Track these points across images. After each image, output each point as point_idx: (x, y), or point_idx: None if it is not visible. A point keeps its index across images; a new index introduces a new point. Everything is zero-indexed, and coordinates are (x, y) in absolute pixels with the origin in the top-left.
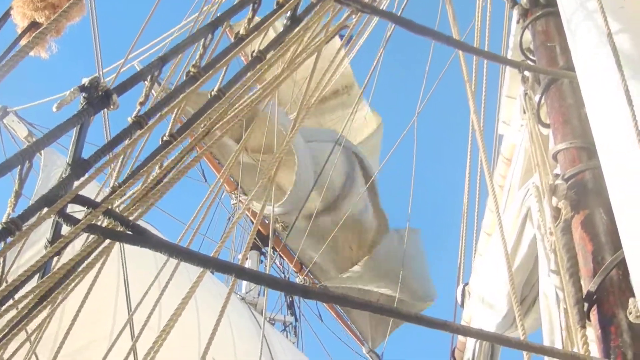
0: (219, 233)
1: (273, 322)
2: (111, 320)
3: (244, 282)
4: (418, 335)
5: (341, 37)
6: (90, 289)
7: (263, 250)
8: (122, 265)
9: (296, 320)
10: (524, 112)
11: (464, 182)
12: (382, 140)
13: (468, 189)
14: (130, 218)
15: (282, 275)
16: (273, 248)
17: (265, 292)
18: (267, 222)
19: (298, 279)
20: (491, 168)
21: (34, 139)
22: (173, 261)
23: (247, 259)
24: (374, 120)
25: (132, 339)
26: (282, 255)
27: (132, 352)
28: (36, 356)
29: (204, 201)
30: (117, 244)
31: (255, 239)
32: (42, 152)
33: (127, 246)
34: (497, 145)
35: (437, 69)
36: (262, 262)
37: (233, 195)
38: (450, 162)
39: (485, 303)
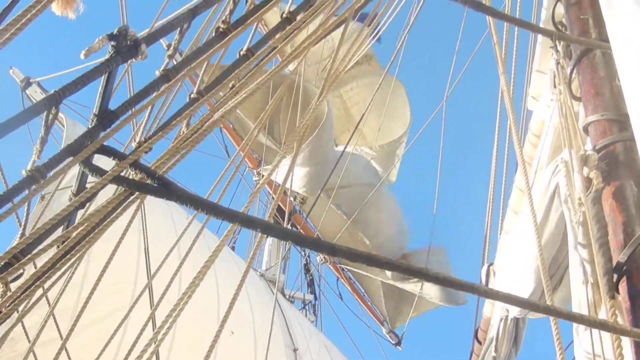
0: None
1: (292, 300)
2: (131, 292)
3: (264, 259)
4: (440, 319)
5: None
6: (112, 254)
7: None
8: (144, 234)
9: (316, 299)
10: (554, 87)
11: (490, 161)
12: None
13: (495, 165)
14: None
15: (303, 253)
16: (294, 225)
17: (286, 265)
18: (290, 200)
19: (318, 258)
20: (521, 143)
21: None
22: (193, 231)
23: (267, 236)
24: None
25: (151, 307)
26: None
27: (150, 320)
28: (55, 319)
29: (224, 172)
30: (134, 212)
31: (276, 215)
32: (65, 124)
33: (147, 218)
34: (526, 121)
35: (466, 50)
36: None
37: (255, 172)
38: (477, 141)
39: (511, 281)
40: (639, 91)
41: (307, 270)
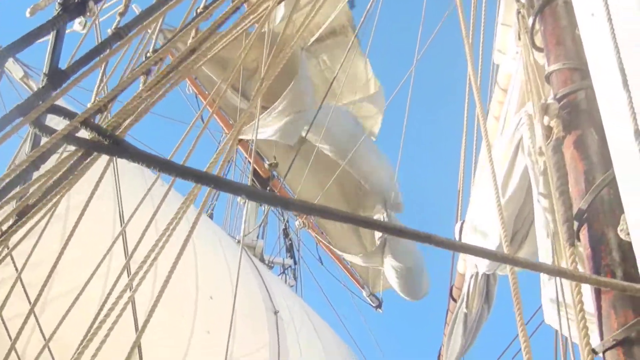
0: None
1: (272, 265)
2: (106, 261)
3: (242, 225)
4: None
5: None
6: (75, 226)
7: None
8: (117, 197)
9: (295, 263)
10: (519, 39)
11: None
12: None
13: (466, 121)
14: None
15: (282, 218)
16: (271, 189)
17: (265, 230)
18: (265, 165)
19: (297, 222)
20: (487, 97)
21: (30, 80)
22: (164, 193)
23: (245, 202)
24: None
25: (126, 257)
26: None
27: (125, 271)
28: (24, 288)
29: (189, 129)
30: (111, 178)
31: (253, 181)
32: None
33: (121, 181)
34: (495, 75)
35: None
36: (261, 205)
37: None
38: (451, 98)
39: (479, 235)
40: (597, 40)
41: (286, 235)
